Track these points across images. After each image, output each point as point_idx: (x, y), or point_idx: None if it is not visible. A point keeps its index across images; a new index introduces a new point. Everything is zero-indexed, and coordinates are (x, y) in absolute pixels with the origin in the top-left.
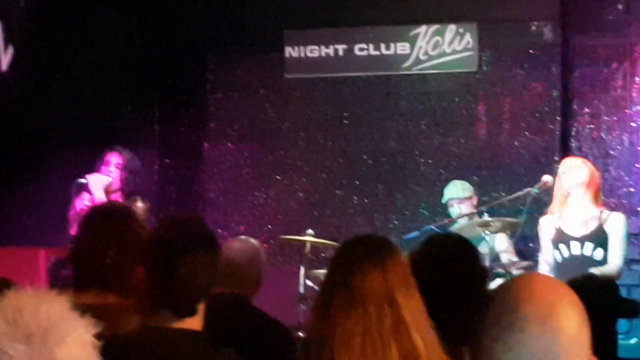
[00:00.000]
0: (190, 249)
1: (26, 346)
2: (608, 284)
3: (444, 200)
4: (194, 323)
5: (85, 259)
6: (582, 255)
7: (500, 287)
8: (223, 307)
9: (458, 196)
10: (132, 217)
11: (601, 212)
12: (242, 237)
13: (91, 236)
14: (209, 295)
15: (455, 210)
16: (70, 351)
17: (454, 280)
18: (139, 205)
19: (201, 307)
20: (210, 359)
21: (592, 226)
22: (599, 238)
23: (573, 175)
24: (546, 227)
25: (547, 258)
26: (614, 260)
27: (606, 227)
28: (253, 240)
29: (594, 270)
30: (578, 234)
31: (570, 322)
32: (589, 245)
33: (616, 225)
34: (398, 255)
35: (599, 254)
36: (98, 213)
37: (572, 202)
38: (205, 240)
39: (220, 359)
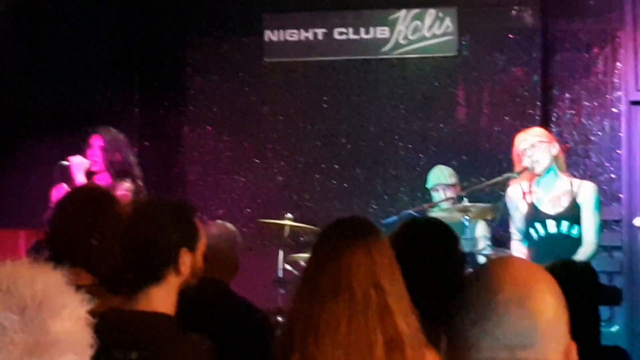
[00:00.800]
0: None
1: (19, 317)
2: (586, 270)
3: (429, 186)
4: (161, 305)
5: (64, 240)
6: (559, 234)
7: (477, 270)
8: (200, 291)
9: (445, 182)
10: (111, 198)
11: (571, 183)
12: (219, 221)
13: (67, 215)
14: (178, 270)
15: (439, 195)
16: (64, 325)
17: (433, 264)
18: (127, 185)
19: (170, 290)
20: (179, 343)
21: (565, 202)
22: (574, 214)
23: (536, 155)
24: (516, 199)
25: (519, 228)
26: (588, 237)
27: (579, 200)
28: (230, 225)
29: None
30: (553, 212)
31: (548, 306)
32: (565, 223)
33: (586, 196)
34: (383, 239)
35: (575, 231)
36: (80, 196)
37: (541, 178)
38: (176, 214)
39: (190, 344)
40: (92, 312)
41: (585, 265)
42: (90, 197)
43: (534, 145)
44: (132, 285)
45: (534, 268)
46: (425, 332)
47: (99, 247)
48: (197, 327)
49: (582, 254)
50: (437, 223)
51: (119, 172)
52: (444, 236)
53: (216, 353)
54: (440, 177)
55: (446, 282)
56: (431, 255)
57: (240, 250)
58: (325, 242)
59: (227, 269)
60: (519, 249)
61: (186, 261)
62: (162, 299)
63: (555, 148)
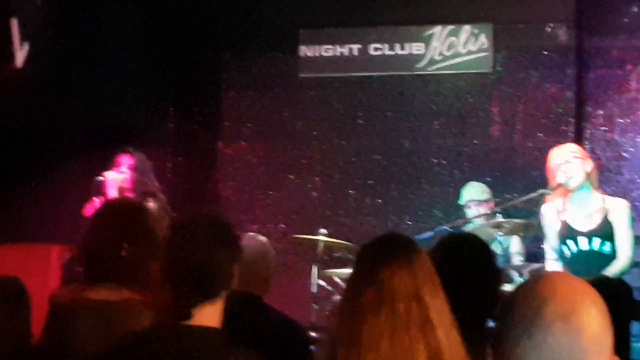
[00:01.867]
0: (208, 239)
1: None
2: (622, 286)
3: (462, 202)
4: (212, 320)
5: (99, 253)
6: (591, 250)
7: (523, 285)
8: (236, 305)
9: (477, 198)
10: (145, 212)
11: (603, 200)
12: (251, 234)
13: (105, 231)
14: (230, 287)
15: (472, 212)
16: None
17: (470, 280)
18: (151, 205)
19: (219, 306)
20: (230, 357)
21: (598, 219)
22: (606, 231)
23: (570, 170)
24: (550, 217)
25: (553, 247)
26: (624, 252)
27: (610, 217)
28: (262, 238)
29: (608, 269)
30: (585, 229)
31: (593, 321)
32: (596, 240)
33: (619, 213)
34: (423, 253)
35: (607, 247)
36: (112, 208)
37: (574, 194)
38: (223, 231)
39: (240, 358)
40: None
41: (621, 281)
42: (120, 210)
43: (568, 161)
44: (190, 306)
45: (580, 283)
46: (465, 347)
47: (134, 261)
48: (236, 341)
49: (615, 268)
50: (474, 238)
51: (145, 193)
52: (481, 251)
53: None
54: (473, 194)
55: (483, 297)
56: (469, 270)
57: (273, 264)
58: (367, 258)
59: (260, 283)
60: (554, 267)
61: (237, 277)
62: (213, 314)
63: (589, 164)
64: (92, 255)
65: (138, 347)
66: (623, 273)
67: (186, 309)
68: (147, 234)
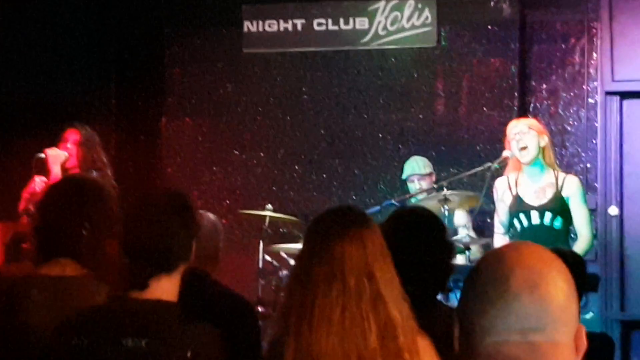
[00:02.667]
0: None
1: None
2: (576, 258)
3: (404, 176)
4: (168, 294)
5: (54, 230)
6: (542, 225)
7: (488, 255)
8: (185, 280)
9: (419, 172)
10: (100, 188)
11: (556, 176)
12: (200, 211)
13: (59, 206)
14: (187, 261)
15: (415, 186)
16: None
17: (422, 253)
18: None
19: (176, 279)
20: (186, 330)
21: (550, 194)
22: (558, 206)
23: (521, 144)
24: (502, 191)
25: (503, 221)
26: (583, 231)
27: (563, 193)
28: (211, 215)
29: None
30: (536, 203)
31: (560, 290)
32: (548, 215)
33: (572, 189)
34: (375, 228)
35: (558, 222)
36: (68, 184)
37: (527, 169)
38: (182, 206)
39: (196, 331)
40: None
41: (574, 254)
42: (79, 186)
43: (523, 132)
44: (147, 277)
45: (546, 253)
46: (416, 319)
47: (89, 236)
48: (190, 315)
49: (578, 249)
50: (425, 211)
51: (92, 168)
52: (431, 224)
53: (218, 340)
54: (415, 168)
55: (435, 270)
56: (420, 243)
57: (222, 241)
58: (318, 232)
59: (209, 259)
60: (501, 242)
61: (194, 250)
62: (169, 287)
63: (545, 140)
64: (47, 231)
65: (93, 321)
66: (587, 252)
67: (142, 280)
68: (102, 209)
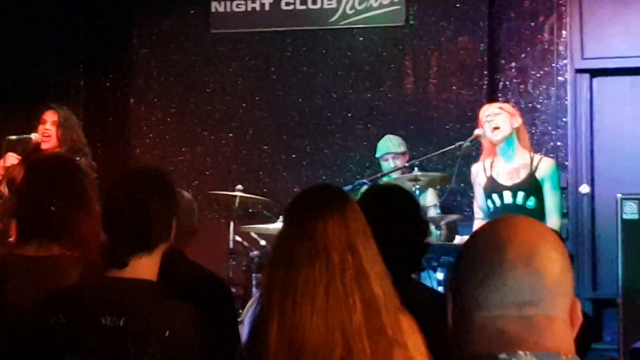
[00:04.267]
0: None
1: None
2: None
3: (378, 155)
4: (148, 273)
5: (29, 210)
6: (514, 204)
7: (482, 229)
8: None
9: (394, 151)
10: (76, 168)
11: (531, 158)
12: (177, 189)
13: (35, 186)
14: (167, 240)
15: (389, 164)
16: None
17: (396, 231)
18: (81, 162)
19: (156, 259)
20: (165, 309)
21: (523, 174)
22: (531, 186)
23: (493, 124)
24: (478, 175)
25: (481, 205)
26: (552, 216)
27: (537, 175)
28: (185, 193)
29: None
30: (509, 183)
31: (555, 263)
32: (520, 194)
33: (546, 172)
34: (355, 204)
35: (531, 202)
36: (42, 164)
37: (500, 150)
38: (163, 184)
39: (174, 310)
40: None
41: (556, 232)
42: (55, 166)
43: (495, 113)
44: (126, 256)
45: (540, 226)
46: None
47: (66, 216)
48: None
49: None
50: (399, 190)
51: (72, 149)
52: (407, 202)
53: (197, 319)
54: (390, 146)
55: (410, 248)
56: (395, 221)
57: (196, 218)
58: (299, 210)
59: (184, 238)
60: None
61: (174, 230)
62: (149, 266)
63: (517, 122)
64: (23, 211)
65: (72, 299)
66: None
67: (122, 259)
68: (77, 188)
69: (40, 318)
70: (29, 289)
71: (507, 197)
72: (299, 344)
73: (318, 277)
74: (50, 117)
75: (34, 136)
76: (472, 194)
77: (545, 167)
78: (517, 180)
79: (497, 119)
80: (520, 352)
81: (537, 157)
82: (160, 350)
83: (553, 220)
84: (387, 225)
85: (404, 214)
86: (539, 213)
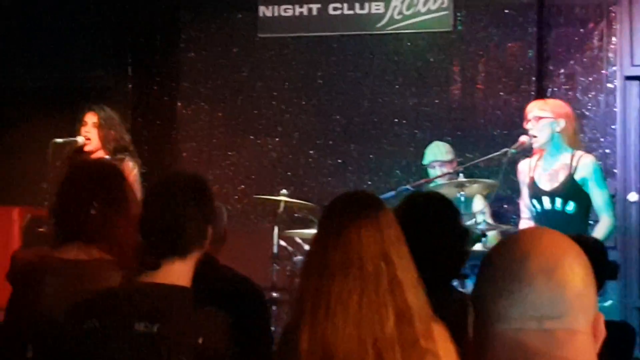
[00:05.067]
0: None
1: None
2: (597, 245)
3: (425, 162)
4: (182, 279)
5: (68, 213)
6: (553, 210)
7: (505, 240)
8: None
9: (441, 158)
10: (116, 172)
11: (572, 158)
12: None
13: (75, 190)
14: (202, 247)
15: (435, 172)
16: None
17: (435, 238)
18: (128, 163)
19: (190, 265)
20: (198, 316)
21: (562, 177)
22: (569, 190)
23: (531, 132)
24: (522, 174)
25: (527, 204)
26: (602, 213)
27: (577, 176)
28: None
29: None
30: (548, 188)
31: (576, 277)
32: (558, 200)
33: (586, 170)
34: (389, 212)
35: (570, 207)
36: (83, 168)
37: (546, 151)
38: (200, 190)
39: (207, 317)
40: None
41: (595, 240)
42: (96, 171)
43: (536, 118)
44: (159, 259)
45: (563, 238)
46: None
47: (106, 221)
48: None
49: (597, 233)
50: (438, 197)
51: (115, 149)
52: (445, 210)
53: (230, 326)
54: (437, 154)
55: (449, 256)
56: (433, 228)
57: (226, 225)
58: (333, 217)
59: (215, 243)
60: (526, 226)
61: (209, 237)
62: (183, 272)
63: (560, 125)
64: (62, 215)
65: (106, 304)
66: (608, 236)
67: (155, 263)
68: (117, 193)
69: (74, 322)
70: (67, 292)
71: (546, 202)
72: (330, 353)
73: (352, 286)
74: (90, 119)
75: (79, 139)
76: (518, 201)
77: (584, 165)
78: (556, 185)
79: (536, 128)
80: None
81: (577, 154)
82: (193, 358)
83: (604, 218)
84: (425, 232)
85: (443, 221)
86: (580, 217)
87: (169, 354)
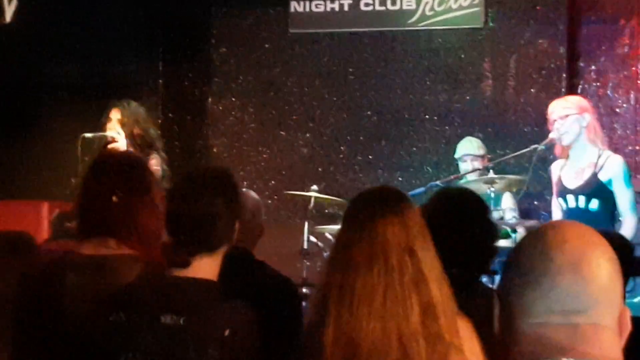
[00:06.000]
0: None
1: None
2: (623, 241)
3: (457, 155)
4: (209, 273)
5: (91, 207)
6: (577, 208)
7: (531, 234)
8: (229, 260)
9: (473, 152)
10: (141, 166)
11: (598, 156)
12: (243, 189)
13: (98, 184)
14: (230, 242)
15: (467, 166)
16: None
17: (464, 233)
18: (153, 159)
19: (218, 259)
20: (224, 309)
21: (587, 175)
22: (593, 188)
23: (564, 127)
24: (553, 174)
25: (558, 204)
26: (626, 214)
27: (602, 175)
28: (253, 193)
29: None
30: (572, 186)
31: (603, 271)
32: (582, 198)
33: (614, 170)
34: (414, 206)
35: (594, 205)
36: (106, 162)
37: (571, 150)
38: (228, 185)
39: (234, 310)
40: (141, 278)
41: (621, 237)
42: (120, 163)
43: (562, 117)
44: (189, 255)
45: (589, 232)
46: (457, 301)
47: (129, 215)
48: (230, 294)
49: (625, 230)
50: (468, 192)
51: (141, 145)
52: (474, 205)
53: (256, 319)
54: (469, 148)
55: (477, 252)
56: (463, 223)
57: (262, 218)
58: (357, 212)
59: (251, 239)
60: None
61: (237, 231)
62: (210, 266)
63: (586, 119)
64: (85, 209)
65: (132, 297)
66: (633, 236)
67: (184, 258)
68: (141, 187)
69: (100, 315)
70: (88, 287)
71: (571, 201)
72: (354, 346)
73: (376, 280)
74: (115, 115)
75: (109, 134)
76: (549, 197)
77: (611, 166)
78: (581, 183)
79: (564, 125)
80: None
81: (605, 154)
82: (220, 350)
83: (627, 219)
84: (454, 228)
85: (471, 217)
86: (605, 216)
87: (195, 346)
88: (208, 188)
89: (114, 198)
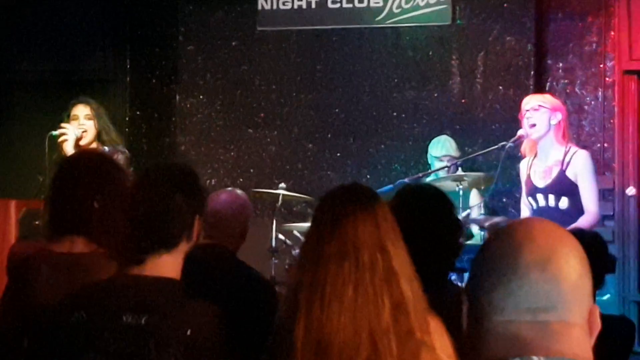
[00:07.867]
0: (169, 186)
1: None
2: (596, 239)
3: (436, 154)
4: (169, 271)
5: (62, 206)
6: (547, 207)
7: (499, 231)
8: (204, 257)
9: (452, 154)
10: (112, 163)
11: (566, 152)
12: (230, 188)
13: (68, 182)
14: (190, 238)
15: (441, 165)
16: None
17: (429, 230)
18: (120, 156)
19: (178, 257)
20: (187, 308)
21: (554, 173)
22: (561, 186)
23: (530, 121)
24: (521, 173)
25: (527, 203)
26: (588, 207)
27: (570, 172)
28: (240, 192)
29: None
30: (541, 185)
31: (571, 269)
32: (551, 197)
33: (579, 165)
34: (385, 204)
35: (563, 203)
36: (76, 160)
37: (539, 147)
38: (186, 180)
39: (197, 309)
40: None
41: (595, 234)
42: (91, 162)
43: (534, 109)
44: (144, 252)
45: (558, 230)
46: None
47: (102, 213)
48: (202, 292)
49: (582, 223)
50: (432, 189)
51: (110, 140)
52: (439, 203)
53: (222, 319)
54: (449, 149)
55: (443, 249)
56: (427, 221)
57: (249, 219)
58: (328, 208)
59: (234, 237)
60: None
61: (198, 228)
62: (171, 264)
63: (557, 118)
64: (58, 207)
65: (93, 296)
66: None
67: (140, 255)
68: (113, 185)
69: (63, 314)
70: (61, 286)
71: (541, 199)
72: (325, 343)
73: (347, 276)
74: (82, 112)
75: (76, 132)
76: (517, 195)
77: (577, 162)
78: (549, 181)
79: (535, 116)
80: (534, 358)
81: (572, 150)
82: (182, 350)
83: (587, 214)
84: (419, 225)
85: (436, 214)
86: (574, 213)
87: (157, 346)
88: (166, 183)
89: (96, 204)
